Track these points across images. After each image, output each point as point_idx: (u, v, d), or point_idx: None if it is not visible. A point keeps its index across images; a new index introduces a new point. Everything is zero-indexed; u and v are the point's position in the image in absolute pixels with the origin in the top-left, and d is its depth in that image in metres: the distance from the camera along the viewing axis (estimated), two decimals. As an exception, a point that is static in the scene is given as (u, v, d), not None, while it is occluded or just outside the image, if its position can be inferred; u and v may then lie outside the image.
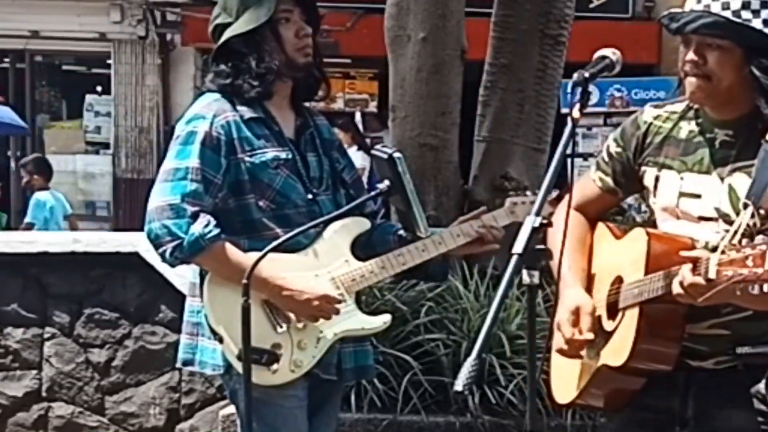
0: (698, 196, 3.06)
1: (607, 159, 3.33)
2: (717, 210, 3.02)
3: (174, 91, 17.70)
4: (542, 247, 2.71)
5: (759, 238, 2.68)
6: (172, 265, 3.76)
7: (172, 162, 3.74)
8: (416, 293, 5.97)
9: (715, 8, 2.98)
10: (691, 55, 3.01)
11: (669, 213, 3.09)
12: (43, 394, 6.58)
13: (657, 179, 3.13)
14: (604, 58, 2.98)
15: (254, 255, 3.57)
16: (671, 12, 3.06)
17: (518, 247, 2.67)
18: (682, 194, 3.09)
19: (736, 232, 2.81)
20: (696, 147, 3.11)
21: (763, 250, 2.60)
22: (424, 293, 6.04)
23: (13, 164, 18.53)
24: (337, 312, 3.72)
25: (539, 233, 2.72)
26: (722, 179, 3.03)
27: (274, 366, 3.66)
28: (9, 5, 17.27)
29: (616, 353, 3.02)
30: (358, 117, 16.34)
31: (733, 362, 3.05)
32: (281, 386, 3.72)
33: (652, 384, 3.11)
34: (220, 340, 3.71)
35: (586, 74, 2.92)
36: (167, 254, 3.66)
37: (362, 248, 3.86)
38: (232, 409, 5.90)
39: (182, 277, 6.06)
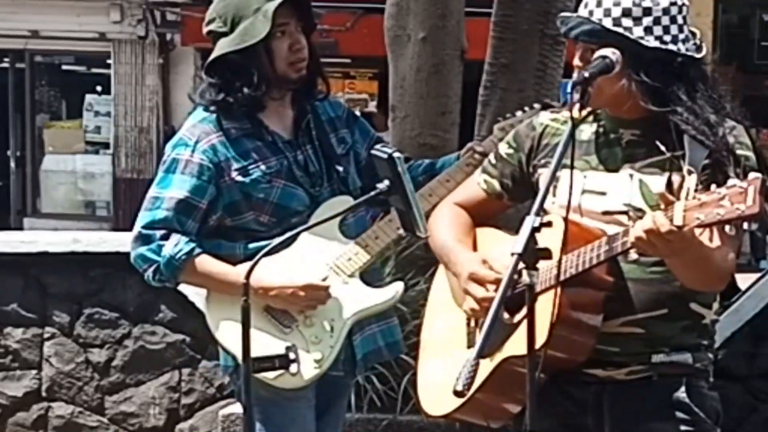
0: (603, 194, 3.03)
1: (494, 162, 3.29)
2: (628, 205, 2.99)
3: (174, 91, 17.72)
4: (542, 246, 2.69)
5: (731, 181, 2.65)
6: (175, 286, 3.86)
7: (153, 189, 3.78)
8: (416, 293, 5.95)
9: (597, 15, 2.98)
10: (576, 61, 3.03)
11: (571, 211, 2.96)
12: (43, 394, 6.57)
13: (557, 179, 3.02)
14: (604, 57, 2.95)
15: (240, 266, 3.58)
16: (562, 15, 3.07)
17: (518, 246, 2.65)
18: (585, 191, 3.04)
19: (689, 190, 2.75)
20: (600, 147, 3.08)
21: (743, 188, 2.58)
22: (424, 293, 6.01)
23: (12, 164, 18.55)
24: (326, 297, 3.67)
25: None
26: (631, 176, 3.01)
27: (293, 368, 3.58)
28: (9, 5, 17.30)
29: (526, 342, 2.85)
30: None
31: (647, 372, 3.01)
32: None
33: (561, 402, 3.06)
34: (234, 358, 3.70)
35: (586, 74, 2.90)
36: (151, 279, 3.74)
37: None
38: (231, 409, 5.90)
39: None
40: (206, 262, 3.70)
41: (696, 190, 2.72)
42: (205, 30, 3.82)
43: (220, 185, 3.72)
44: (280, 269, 3.68)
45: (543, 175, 3.11)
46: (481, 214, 3.32)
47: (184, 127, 3.82)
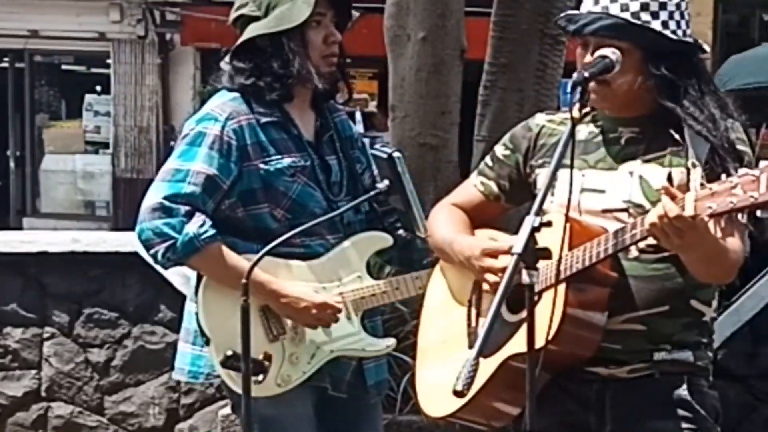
0: (602, 191, 3.03)
1: (491, 163, 3.27)
2: (627, 202, 2.99)
3: (173, 90, 17.73)
4: (542, 246, 2.69)
5: (741, 170, 2.65)
6: (165, 267, 3.67)
7: (174, 162, 3.59)
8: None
9: (614, 10, 2.97)
10: (589, 58, 3.00)
11: (570, 210, 2.93)
12: (43, 393, 6.57)
13: (556, 179, 2.98)
14: (604, 57, 2.94)
15: (253, 258, 3.43)
16: (568, 14, 3.05)
17: (517, 246, 2.64)
18: (584, 190, 3.04)
19: (695, 181, 2.76)
20: (598, 146, 3.07)
21: (755, 176, 2.58)
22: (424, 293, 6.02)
23: (12, 164, 18.55)
24: (336, 320, 3.61)
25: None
26: (631, 173, 3.01)
27: (260, 377, 3.51)
28: (8, 5, 17.30)
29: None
30: (358, 116, 16.33)
31: (649, 370, 3.01)
32: (288, 401, 3.61)
33: (562, 401, 3.05)
34: (207, 342, 3.61)
35: (586, 74, 2.90)
36: (159, 256, 3.52)
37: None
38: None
39: (183, 276, 6.06)
40: (226, 251, 3.54)
41: (701, 183, 2.73)
42: (233, 15, 3.70)
43: (241, 169, 3.59)
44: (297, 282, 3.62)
45: (541, 176, 3.11)
46: (478, 217, 3.30)
47: (209, 105, 3.68)
